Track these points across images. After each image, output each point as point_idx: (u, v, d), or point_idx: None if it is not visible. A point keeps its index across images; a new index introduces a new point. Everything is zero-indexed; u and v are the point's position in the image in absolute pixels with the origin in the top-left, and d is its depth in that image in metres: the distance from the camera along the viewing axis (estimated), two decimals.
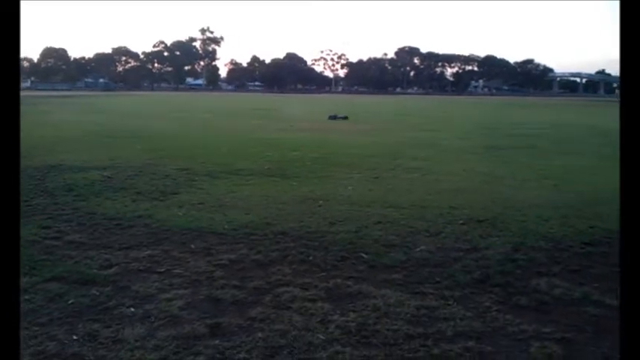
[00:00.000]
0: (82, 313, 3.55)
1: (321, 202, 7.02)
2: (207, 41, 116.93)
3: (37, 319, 3.43)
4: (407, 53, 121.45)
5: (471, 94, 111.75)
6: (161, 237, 5.34)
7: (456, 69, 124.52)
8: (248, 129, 18.82)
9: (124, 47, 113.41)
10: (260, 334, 3.29)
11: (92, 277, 4.18)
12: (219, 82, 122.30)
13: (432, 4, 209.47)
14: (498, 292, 4.01)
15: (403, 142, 14.73)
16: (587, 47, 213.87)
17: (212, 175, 8.90)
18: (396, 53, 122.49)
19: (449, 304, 3.76)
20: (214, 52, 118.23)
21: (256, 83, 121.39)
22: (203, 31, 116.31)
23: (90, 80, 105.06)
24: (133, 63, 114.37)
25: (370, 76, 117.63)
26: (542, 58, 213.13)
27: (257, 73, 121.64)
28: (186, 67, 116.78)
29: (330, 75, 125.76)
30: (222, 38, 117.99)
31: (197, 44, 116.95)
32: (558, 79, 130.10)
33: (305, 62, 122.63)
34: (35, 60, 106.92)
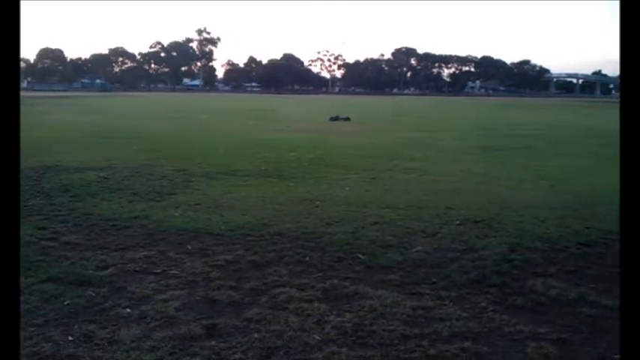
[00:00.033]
0: (77, 314, 3.54)
1: (317, 202, 7.02)
2: (204, 42, 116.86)
3: (33, 320, 3.41)
4: (404, 54, 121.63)
5: (468, 95, 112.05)
6: (157, 238, 5.34)
7: (453, 70, 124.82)
8: (245, 130, 18.82)
9: (121, 48, 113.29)
10: (256, 335, 3.29)
11: (88, 278, 4.17)
12: (216, 83, 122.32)
13: (428, 4, 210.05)
14: (495, 292, 4.02)
15: (400, 143, 14.75)
16: (583, 48, 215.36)
17: (209, 176, 8.90)
18: (393, 54, 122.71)
19: (445, 305, 3.77)
20: (211, 52, 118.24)
21: (253, 84, 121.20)
22: (200, 31, 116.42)
23: (86, 81, 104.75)
24: (129, 64, 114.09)
25: (367, 77, 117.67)
26: (539, 59, 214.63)
27: (254, 73, 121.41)
28: (183, 68, 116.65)
29: (327, 76, 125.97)
30: (219, 39, 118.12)
31: (194, 45, 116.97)
32: (555, 79, 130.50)
33: (302, 63, 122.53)
34: (32, 60, 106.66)
